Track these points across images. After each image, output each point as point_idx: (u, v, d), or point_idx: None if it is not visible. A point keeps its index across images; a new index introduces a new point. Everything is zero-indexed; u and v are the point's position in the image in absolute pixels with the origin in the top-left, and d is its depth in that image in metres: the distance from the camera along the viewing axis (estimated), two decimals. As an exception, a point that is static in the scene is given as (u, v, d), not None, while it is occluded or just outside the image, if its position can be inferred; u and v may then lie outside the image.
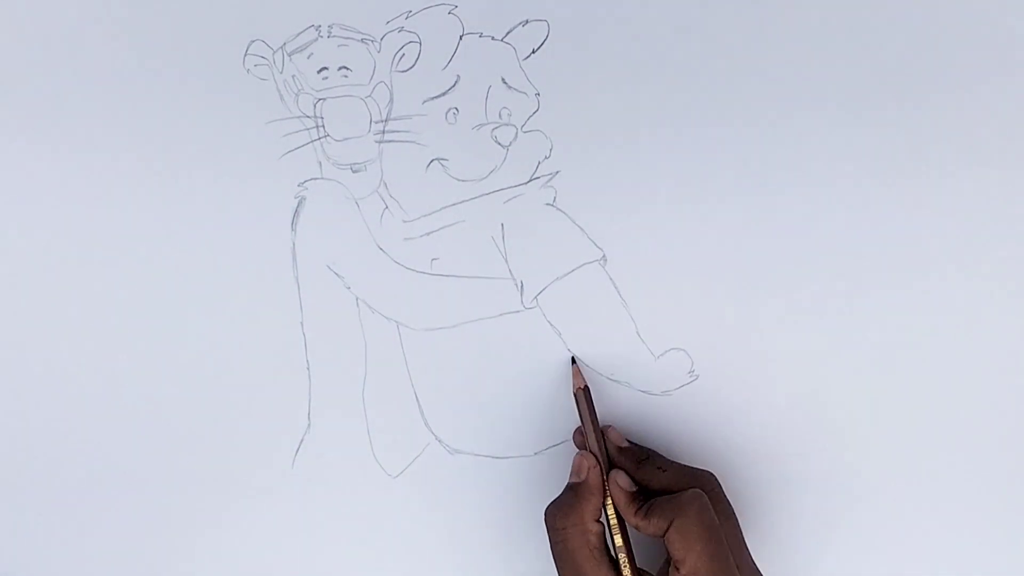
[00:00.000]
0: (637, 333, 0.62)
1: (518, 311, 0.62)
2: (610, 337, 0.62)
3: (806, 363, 0.62)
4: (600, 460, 0.59)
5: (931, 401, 0.62)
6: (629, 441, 0.62)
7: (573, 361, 0.63)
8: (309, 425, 0.64)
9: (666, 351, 0.62)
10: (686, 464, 0.61)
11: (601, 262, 0.62)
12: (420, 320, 0.63)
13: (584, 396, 0.60)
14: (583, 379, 0.61)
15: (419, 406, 0.64)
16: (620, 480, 0.59)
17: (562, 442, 0.64)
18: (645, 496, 0.58)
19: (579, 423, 0.61)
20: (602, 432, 0.61)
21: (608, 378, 0.63)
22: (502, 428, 0.64)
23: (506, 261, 0.62)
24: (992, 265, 0.61)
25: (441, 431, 0.64)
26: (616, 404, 0.63)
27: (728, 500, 0.59)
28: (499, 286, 0.62)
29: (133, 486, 0.65)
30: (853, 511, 0.64)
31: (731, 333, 0.62)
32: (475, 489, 0.65)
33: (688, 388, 0.63)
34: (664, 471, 0.59)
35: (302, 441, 0.64)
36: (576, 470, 0.60)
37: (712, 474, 0.59)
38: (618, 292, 0.62)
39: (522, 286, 0.62)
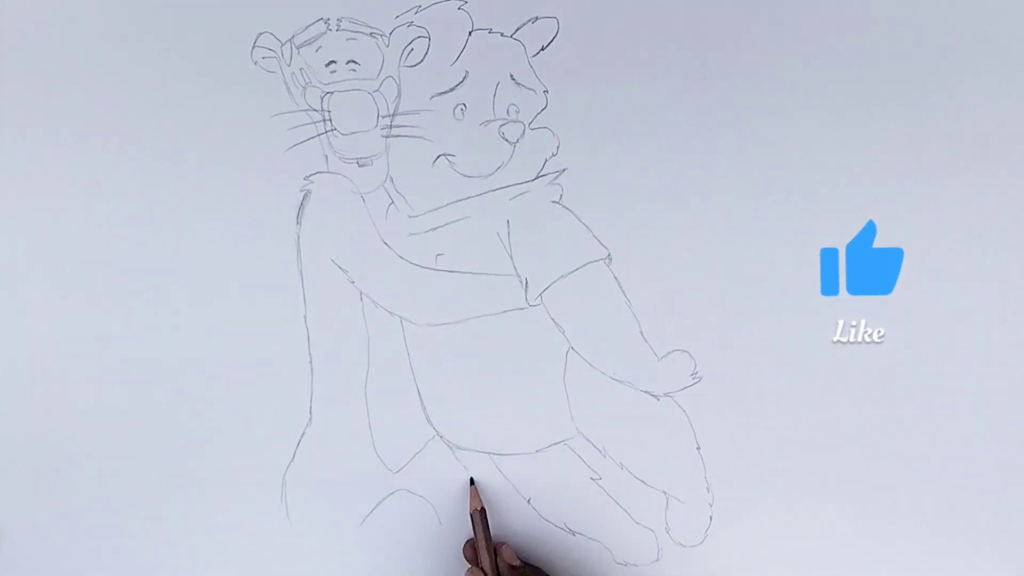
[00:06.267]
0: (641, 333, 0.62)
1: (522, 308, 0.62)
2: (613, 336, 0.62)
3: (810, 367, 0.62)
4: None
5: (934, 403, 0.62)
6: (520, 559, 0.63)
7: (472, 482, 0.63)
8: (310, 418, 0.64)
9: (669, 352, 0.62)
10: None
11: (606, 261, 0.62)
12: (424, 315, 0.63)
13: (480, 518, 0.62)
14: (480, 501, 0.62)
15: (421, 402, 0.64)
16: None
17: (563, 440, 0.64)
18: None
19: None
20: (495, 549, 0.62)
21: (611, 377, 0.63)
22: (504, 425, 0.64)
23: (511, 258, 0.62)
24: (994, 265, 0.61)
25: (443, 427, 0.64)
26: (618, 404, 0.63)
27: None
28: (504, 283, 0.62)
29: (132, 478, 0.65)
30: (855, 513, 0.63)
31: (735, 336, 0.62)
32: (476, 486, 0.64)
33: (691, 390, 0.63)
34: None
35: (303, 434, 0.64)
36: None
37: None
38: (622, 291, 0.62)
39: (527, 283, 0.62)
